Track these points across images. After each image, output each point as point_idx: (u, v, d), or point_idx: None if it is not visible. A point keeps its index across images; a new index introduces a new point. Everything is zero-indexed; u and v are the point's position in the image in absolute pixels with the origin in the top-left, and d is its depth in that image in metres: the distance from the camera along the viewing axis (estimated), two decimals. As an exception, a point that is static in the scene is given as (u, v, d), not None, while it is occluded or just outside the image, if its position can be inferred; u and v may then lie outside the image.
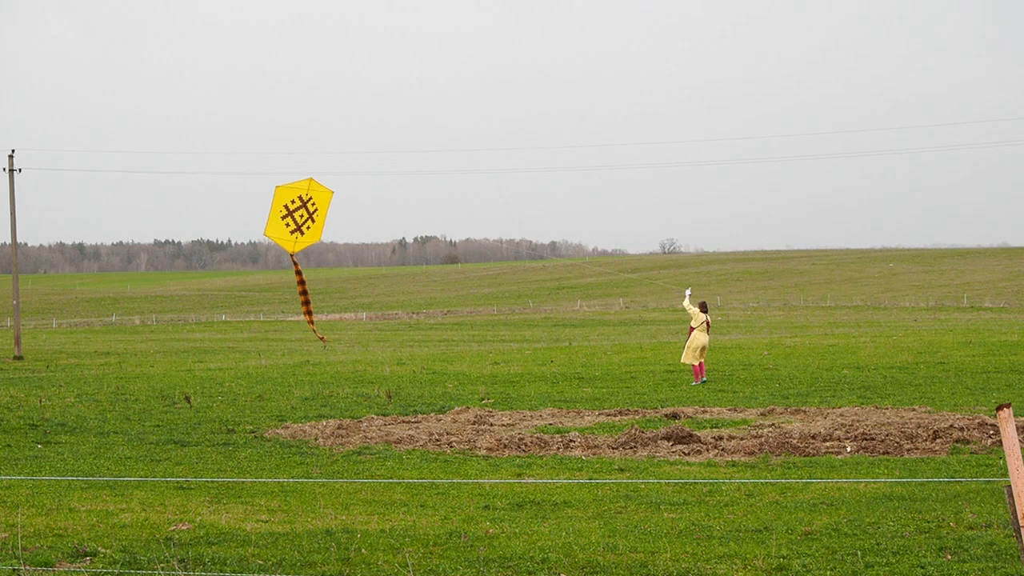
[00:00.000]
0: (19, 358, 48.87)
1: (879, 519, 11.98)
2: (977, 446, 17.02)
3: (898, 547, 10.75)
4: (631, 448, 17.72)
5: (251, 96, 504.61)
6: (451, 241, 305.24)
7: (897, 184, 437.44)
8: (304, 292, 14.21)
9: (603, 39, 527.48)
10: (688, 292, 31.44)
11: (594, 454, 17.42)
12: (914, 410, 21.60)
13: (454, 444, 18.61)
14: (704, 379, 28.53)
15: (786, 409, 22.33)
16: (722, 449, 17.51)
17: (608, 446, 17.96)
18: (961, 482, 14.09)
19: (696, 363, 28.52)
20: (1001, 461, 15.60)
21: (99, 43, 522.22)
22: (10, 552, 11.06)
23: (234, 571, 10.33)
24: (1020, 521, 7.38)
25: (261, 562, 10.62)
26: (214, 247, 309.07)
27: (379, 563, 10.55)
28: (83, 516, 12.98)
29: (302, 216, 13.77)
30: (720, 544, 11.06)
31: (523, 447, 18.11)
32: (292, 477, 15.81)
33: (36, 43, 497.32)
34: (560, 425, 20.97)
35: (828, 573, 9.98)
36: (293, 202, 13.74)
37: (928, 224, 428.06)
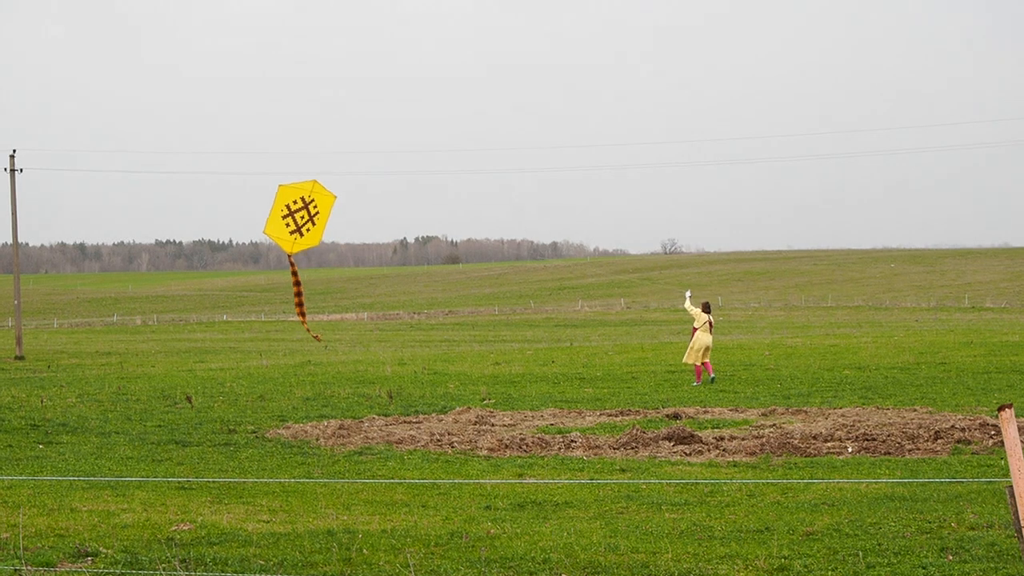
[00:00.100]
0: (20, 358, 48.91)
1: (880, 519, 11.97)
2: (978, 447, 16.99)
3: (899, 547, 10.74)
4: (632, 448, 17.71)
5: (252, 96, 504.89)
6: (452, 241, 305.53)
7: (898, 184, 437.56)
8: (299, 294, 14.17)
9: (603, 39, 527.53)
10: (688, 294, 32.18)
11: (595, 454, 17.41)
12: (915, 410, 21.56)
13: (455, 444, 18.60)
14: (713, 377, 28.58)
15: (787, 409, 22.32)
16: (723, 449, 17.50)
17: (609, 446, 17.95)
18: (962, 483, 14.08)
19: (698, 363, 28.54)
20: (1002, 462, 15.59)
21: (99, 43, 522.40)
22: (12, 552, 11.06)
23: (236, 571, 10.33)
24: (1021, 522, 7.37)
25: (263, 562, 10.61)
26: (215, 247, 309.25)
27: (380, 563, 10.55)
28: (84, 516, 12.98)
29: (303, 217, 13.70)
30: (722, 544, 11.06)
31: (524, 447, 18.10)
32: (293, 477, 15.80)
33: (37, 43, 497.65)
34: (561, 425, 20.95)
35: (829, 573, 9.98)
36: (295, 202, 13.66)
37: (929, 224, 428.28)
